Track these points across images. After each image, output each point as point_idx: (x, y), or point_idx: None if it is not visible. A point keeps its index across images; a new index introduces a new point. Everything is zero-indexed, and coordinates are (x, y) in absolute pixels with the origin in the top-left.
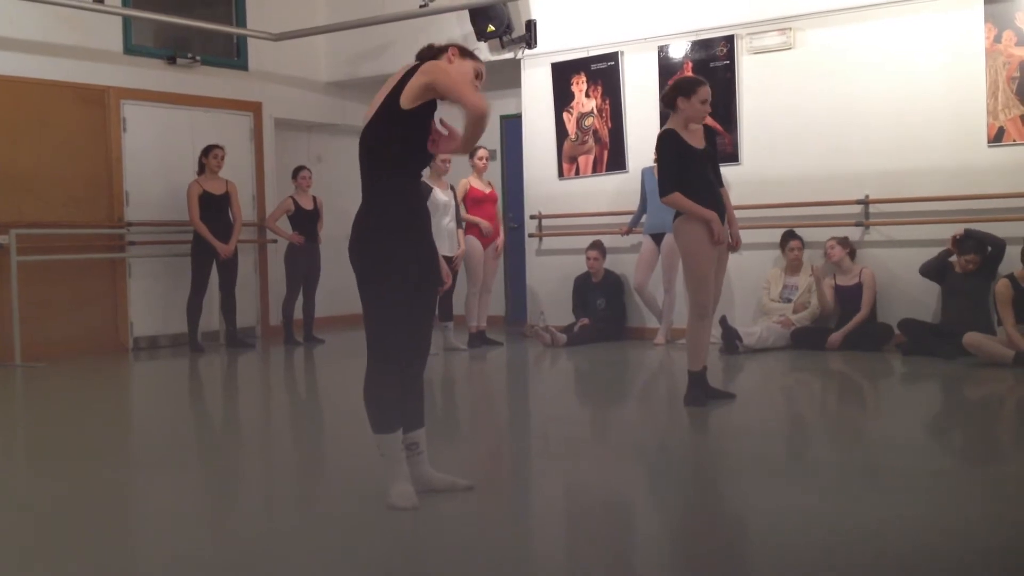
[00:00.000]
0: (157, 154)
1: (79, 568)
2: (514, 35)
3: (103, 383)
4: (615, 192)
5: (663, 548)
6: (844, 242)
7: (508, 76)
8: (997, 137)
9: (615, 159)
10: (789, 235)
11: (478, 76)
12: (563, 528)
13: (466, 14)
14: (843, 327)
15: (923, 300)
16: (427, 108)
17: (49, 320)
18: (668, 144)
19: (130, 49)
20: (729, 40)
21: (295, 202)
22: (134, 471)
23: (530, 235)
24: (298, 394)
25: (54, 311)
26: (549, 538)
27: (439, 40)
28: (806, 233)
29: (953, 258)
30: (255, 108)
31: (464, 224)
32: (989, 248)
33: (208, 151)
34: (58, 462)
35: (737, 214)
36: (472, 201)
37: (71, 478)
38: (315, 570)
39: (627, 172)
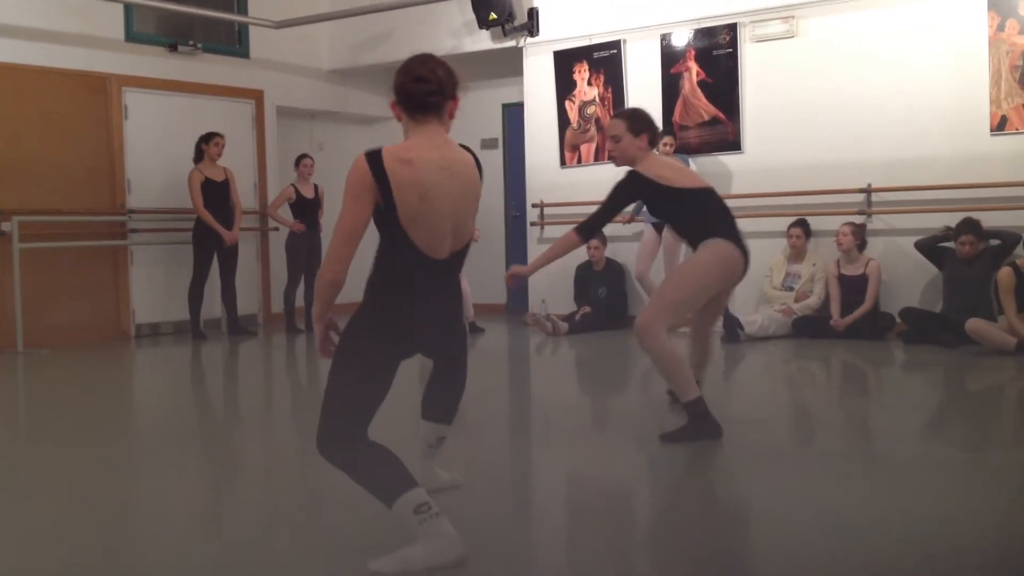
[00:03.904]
0: (159, 141)
1: (79, 551)
2: (516, 23)
3: (105, 370)
4: (617, 181)
5: (664, 536)
6: (858, 231)
7: (510, 64)
8: (1000, 126)
9: None
10: (793, 223)
11: None
12: (563, 517)
13: (468, 2)
14: (847, 316)
15: (925, 288)
16: None
17: (51, 307)
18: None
19: (132, 36)
20: (732, 28)
21: (296, 190)
22: (135, 458)
23: (532, 223)
24: (299, 381)
25: (56, 298)
26: (549, 527)
27: (442, 28)
28: (808, 221)
29: (951, 243)
30: (257, 96)
31: None
32: (999, 241)
33: (208, 138)
34: (59, 448)
35: (739, 202)
36: None
37: (72, 465)
38: (315, 555)
39: None
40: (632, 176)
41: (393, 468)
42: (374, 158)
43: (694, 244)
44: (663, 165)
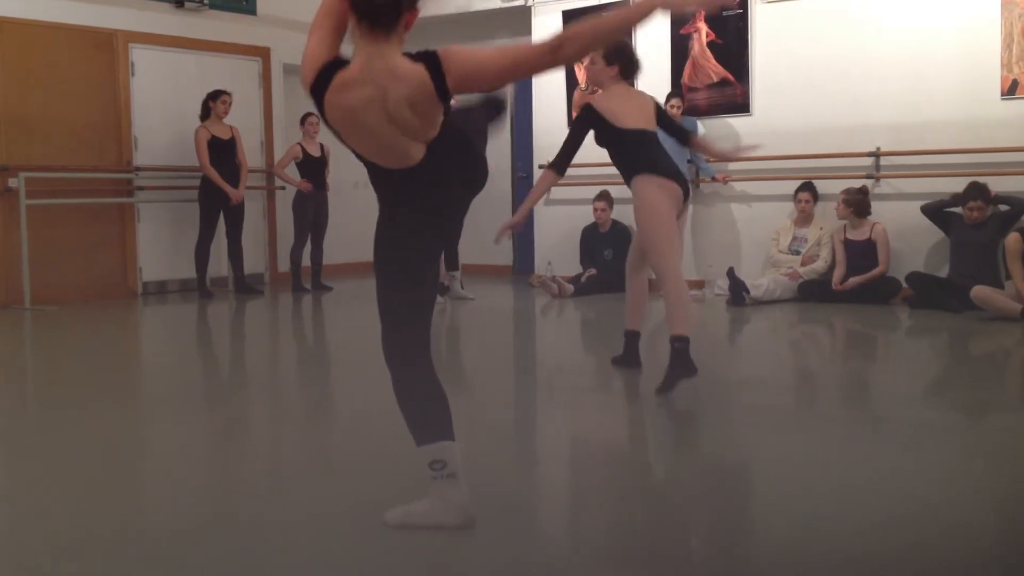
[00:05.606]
0: (166, 99)
1: (86, 510)
2: None
3: (112, 327)
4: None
5: (666, 496)
6: (850, 200)
7: (518, 24)
8: (1011, 90)
9: None
10: (801, 187)
11: None
12: (566, 477)
13: None
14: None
15: (932, 253)
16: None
17: (58, 264)
18: None
19: None
20: None
21: (303, 149)
22: (142, 416)
23: None
24: (305, 341)
25: (63, 255)
26: (552, 486)
27: None
28: (816, 185)
29: (958, 208)
30: (264, 53)
31: None
32: (1008, 207)
33: (216, 96)
34: (66, 406)
35: (747, 165)
36: None
37: (79, 423)
38: (324, 513)
39: None
40: (586, 109)
41: (435, 413)
42: (326, 73)
43: (627, 182)
44: (616, 98)
